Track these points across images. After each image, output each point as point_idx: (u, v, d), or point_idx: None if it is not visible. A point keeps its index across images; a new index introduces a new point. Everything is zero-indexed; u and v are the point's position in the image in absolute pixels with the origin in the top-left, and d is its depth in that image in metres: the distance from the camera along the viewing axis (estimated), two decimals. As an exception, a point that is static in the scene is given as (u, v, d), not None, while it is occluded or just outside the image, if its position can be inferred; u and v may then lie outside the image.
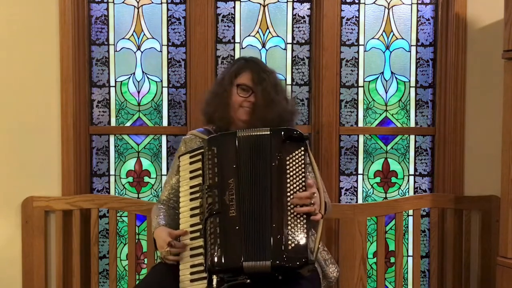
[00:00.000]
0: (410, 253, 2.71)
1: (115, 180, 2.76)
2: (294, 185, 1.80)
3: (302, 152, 1.84)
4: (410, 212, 2.69)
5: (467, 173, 2.66)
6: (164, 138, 2.74)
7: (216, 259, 1.73)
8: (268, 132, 1.86)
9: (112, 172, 2.75)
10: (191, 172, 1.93)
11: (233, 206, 1.78)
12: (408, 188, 2.78)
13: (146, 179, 2.76)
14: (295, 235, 1.74)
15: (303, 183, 1.81)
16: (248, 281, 1.73)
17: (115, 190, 2.75)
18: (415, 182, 2.78)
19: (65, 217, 2.59)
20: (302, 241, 1.74)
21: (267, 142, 1.85)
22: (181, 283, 1.83)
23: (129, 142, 2.75)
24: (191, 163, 1.94)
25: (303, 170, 1.82)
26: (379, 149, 2.77)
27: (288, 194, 1.79)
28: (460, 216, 2.65)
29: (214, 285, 1.72)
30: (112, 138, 2.74)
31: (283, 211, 1.77)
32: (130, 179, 2.76)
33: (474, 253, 2.65)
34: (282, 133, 1.86)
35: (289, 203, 1.78)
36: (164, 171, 2.74)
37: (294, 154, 1.83)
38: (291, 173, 1.81)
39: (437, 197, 2.66)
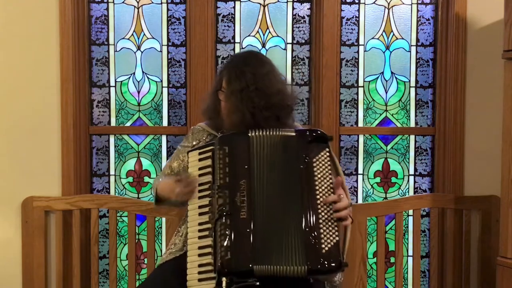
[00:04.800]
0: (410, 253, 2.71)
1: (115, 180, 2.76)
2: (323, 187, 1.78)
3: (328, 153, 1.82)
4: (410, 212, 2.69)
5: (467, 173, 2.66)
6: (164, 138, 2.74)
7: (225, 262, 1.70)
8: (294, 134, 1.84)
9: (112, 172, 2.75)
10: (200, 169, 1.88)
11: (244, 208, 1.75)
12: (408, 188, 2.78)
13: (146, 179, 2.76)
14: (328, 238, 1.72)
15: (331, 185, 1.79)
16: (258, 283, 1.70)
17: (115, 190, 2.75)
18: (415, 182, 2.78)
19: (65, 217, 2.59)
20: (335, 244, 1.72)
21: (293, 143, 1.82)
22: (189, 282, 1.80)
23: (129, 142, 2.75)
24: (200, 159, 1.89)
25: (329, 171, 1.80)
26: (379, 149, 2.77)
27: (318, 197, 1.76)
28: (460, 216, 2.65)
29: (224, 287, 1.69)
30: (112, 138, 2.74)
31: (314, 214, 1.74)
32: (130, 179, 2.76)
33: (474, 253, 2.65)
34: (307, 134, 1.84)
35: (319, 206, 1.75)
36: (164, 171, 2.74)
37: (320, 155, 1.80)
38: (319, 175, 1.78)
39: (437, 197, 2.66)
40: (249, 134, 1.84)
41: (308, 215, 1.74)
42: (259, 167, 1.80)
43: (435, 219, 2.66)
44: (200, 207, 1.85)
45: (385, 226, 2.71)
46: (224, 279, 1.70)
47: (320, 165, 1.80)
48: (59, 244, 2.59)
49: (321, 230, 1.72)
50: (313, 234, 1.72)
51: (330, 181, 1.79)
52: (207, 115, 2.08)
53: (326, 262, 1.69)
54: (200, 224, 1.83)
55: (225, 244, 1.72)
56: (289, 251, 1.71)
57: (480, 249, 2.65)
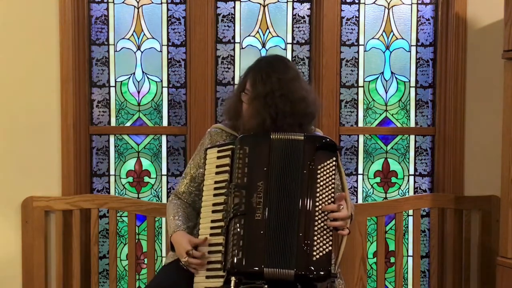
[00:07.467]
0: (410, 253, 2.71)
1: (115, 180, 2.76)
2: (324, 195, 1.78)
3: (334, 163, 1.82)
4: (410, 212, 2.69)
5: (467, 173, 2.66)
6: (164, 138, 2.74)
7: (237, 261, 1.71)
8: (302, 138, 1.84)
9: (112, 172, 2.75)
10: (217, 167, 1.89)
11: (259, 209, 1.75)
12: (408, 188, 2.78)
13: (146, 179, 2.76)
14: (320, 247, 1.73)
15: (333, 194, 1.79)
16: (266, 286, 1.72)
17: (115, 190, 2.75)
18: (415, 182, 2.78)
19: (65, 217, 2.59)
20: (327, 254, 1.73)
21: (300, 148, 1.82)
22: (196, 278, 1.80)
23: (129, 142, 2.75)
24: (218, 157, 1.90)
25: (333, 180, 1.80)
26: (379, 149, 2.77)
27: (317, 204, 1.77)
28: (460, 216, 2.65)
29: (232, 286, 1.70)
30: (112, 138, 2.74)
31: (310, 221, 1.75)
32: (130, 179, 2.76)
33: (474, 253, 2.65)
34: (316, 140, 1.85)
35: (317, 214, 1.76)
36: (164, 171, 2.74)
37: (326, 163, 1.81)
38: (322, 183, 1.79)
39: (437, 197, 2.66)
40: (271, 137, 1.84)
41: (304, 221, 1.75)
42: (275, 170, 1.80)
43: (435, 219, 2.66)
44: (214, 204, 1.85)
45: (385, 226, 2.70)
46: (233, 278, 1.71)
47: (325, 173, 1.81)
48: (59, 244, 2.59)
49: (315, 238, 1.74)
50: (306, 241, 1.73)
51: (333, 190, 1.80)
52: (228, 115, 2.08)
53: (314, 270, 1.71)
54: (213, 221, 1.84)
55: (237, 243, 1.73)
56: (287, 255, 1.72)
57: (480, 249, 2.65)
